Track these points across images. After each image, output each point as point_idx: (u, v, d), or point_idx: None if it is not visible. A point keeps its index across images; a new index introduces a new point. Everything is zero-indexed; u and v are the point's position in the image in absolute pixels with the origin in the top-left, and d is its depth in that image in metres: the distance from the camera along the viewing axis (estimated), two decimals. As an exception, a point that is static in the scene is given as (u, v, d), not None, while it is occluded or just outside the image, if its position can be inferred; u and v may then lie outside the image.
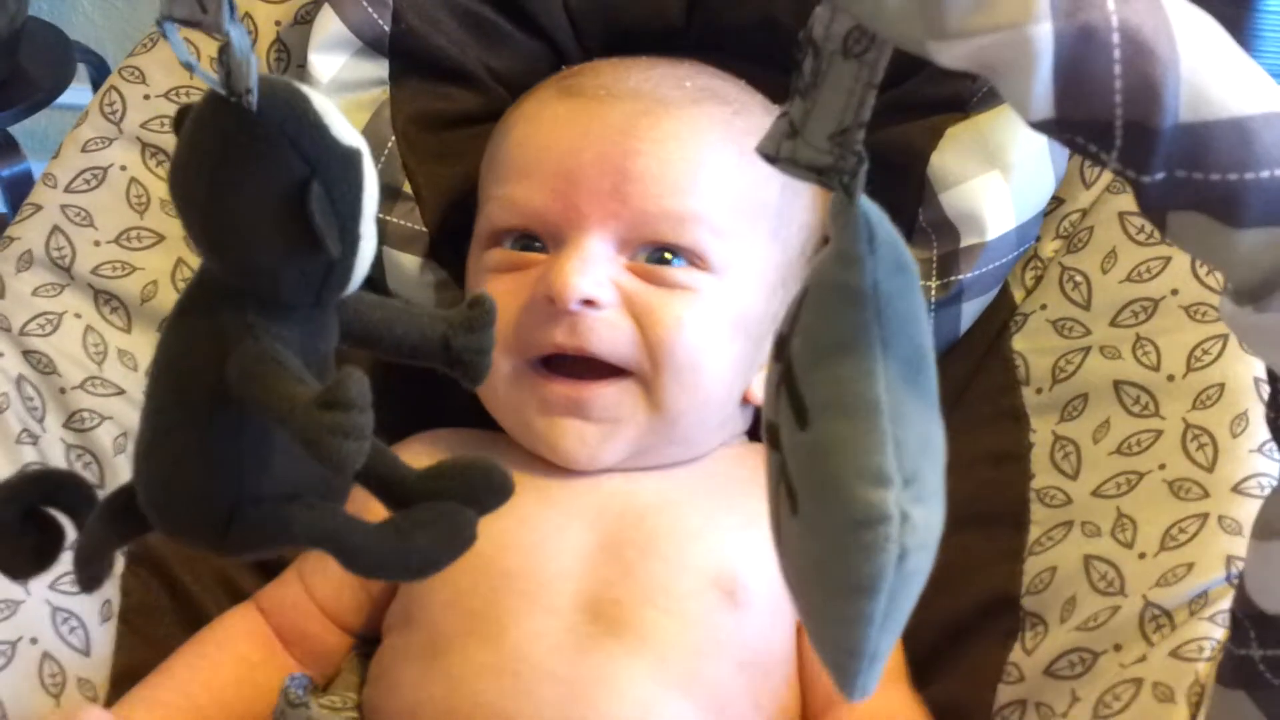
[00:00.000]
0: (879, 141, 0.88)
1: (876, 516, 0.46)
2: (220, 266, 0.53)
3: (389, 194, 0.94)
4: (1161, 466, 0.81)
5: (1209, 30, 0.45)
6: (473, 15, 0.96)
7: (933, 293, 0.89)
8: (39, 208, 0.96)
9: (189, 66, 0.50)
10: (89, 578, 0.57)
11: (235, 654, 0.87)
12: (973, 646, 0.84)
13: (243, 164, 0.50)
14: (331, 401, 0.48)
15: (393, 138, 0.95)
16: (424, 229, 0.95)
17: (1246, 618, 0.59)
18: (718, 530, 0.84)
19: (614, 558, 0.83)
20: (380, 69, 0.95)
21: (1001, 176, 0.88)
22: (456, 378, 0.58)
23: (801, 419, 0.48)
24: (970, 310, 0.91)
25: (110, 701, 0.87)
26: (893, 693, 0.83)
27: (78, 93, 1.94)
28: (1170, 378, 0.84)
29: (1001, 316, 0.92)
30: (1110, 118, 0.44)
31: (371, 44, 0.94)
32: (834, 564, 0.48)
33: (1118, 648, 0.77)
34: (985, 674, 0.82)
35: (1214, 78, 0.44)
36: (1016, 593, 0.83)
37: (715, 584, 0.82)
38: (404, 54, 0.95)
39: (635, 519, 0.85)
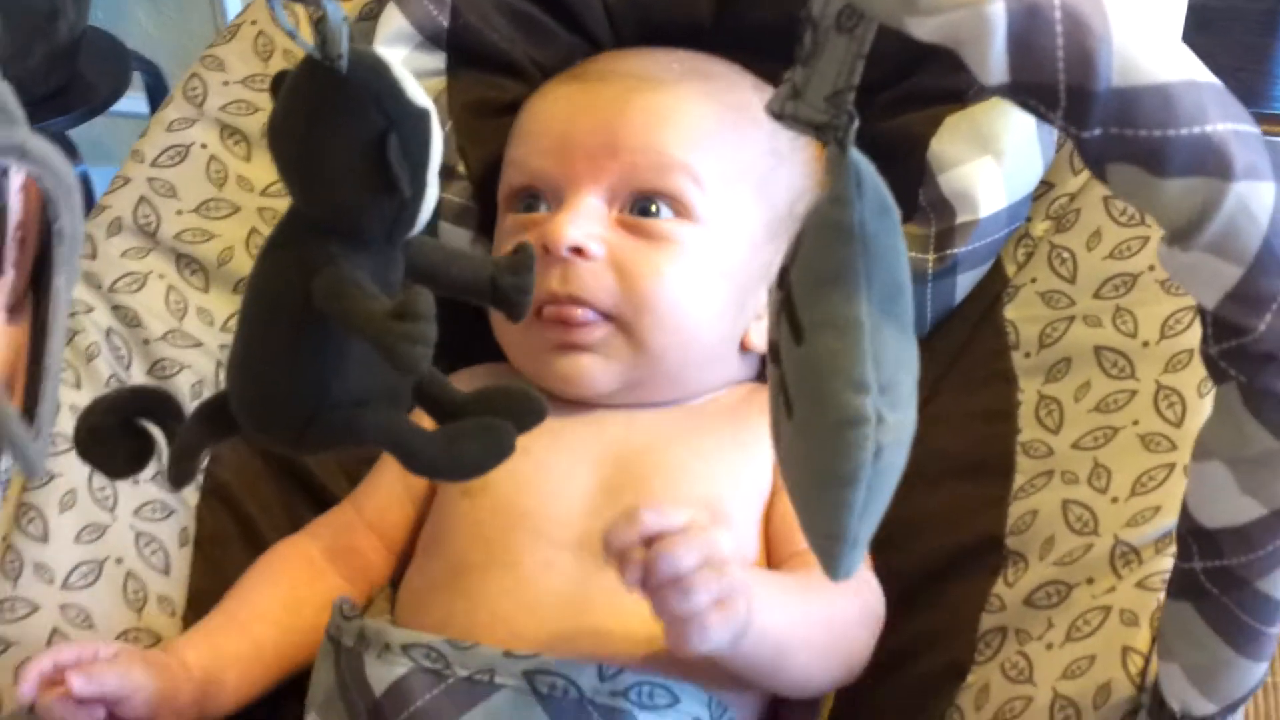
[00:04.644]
0: (886, 129, 0.98)
1: (857, 418, 0.54)
2: (309, 206, 0.61)
3: (444, 173, 1.02)
4: (1135, 422, 0.89)
5: (1137, 11, 0.54)
6: (521, 13, 1.05)
7: (930, 265, 0.97)
8: (128, 180, 1.06)
9: (291, 34, 0.59)
10: (181, 473, 0.66)
11: (284, 579, 0.95)
12: (960, 580, 0.91)
13: (332, 118, 0.58)
14: (404, 313, 0.56)
15: (449, 122, 1.04)
16: (475, 205, 1.04)
17: (1189, 533, 0.66)
18: (704, 462, 0.92)
19: (614, 499, 0.91)
20: (438, 61, 1.04)
21: (994, 161, 0.96)
22: (502, 312, 0.66)
23: (798, 336, 0.57)
24: (965, 282, 0.99)
25: (186, 617, 0.96)
26: None
27: (133, 101, 2.02)
28: (1145, 344, 0.91)
29: (995, 289, 1.00)
30: (1054, 82, 0.52)
31: (430, 38, 1.03)
32: (821, 459, 0.56)
33: (1090, 580, 0.84)
34: (970, 604, 0.89)
35: (1141, 49, 0.52)
36: (1001, 533, 0.90)
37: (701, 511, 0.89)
38: (459, 48, 1.04)
39: (631, 461, 0.93)
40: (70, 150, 1.98)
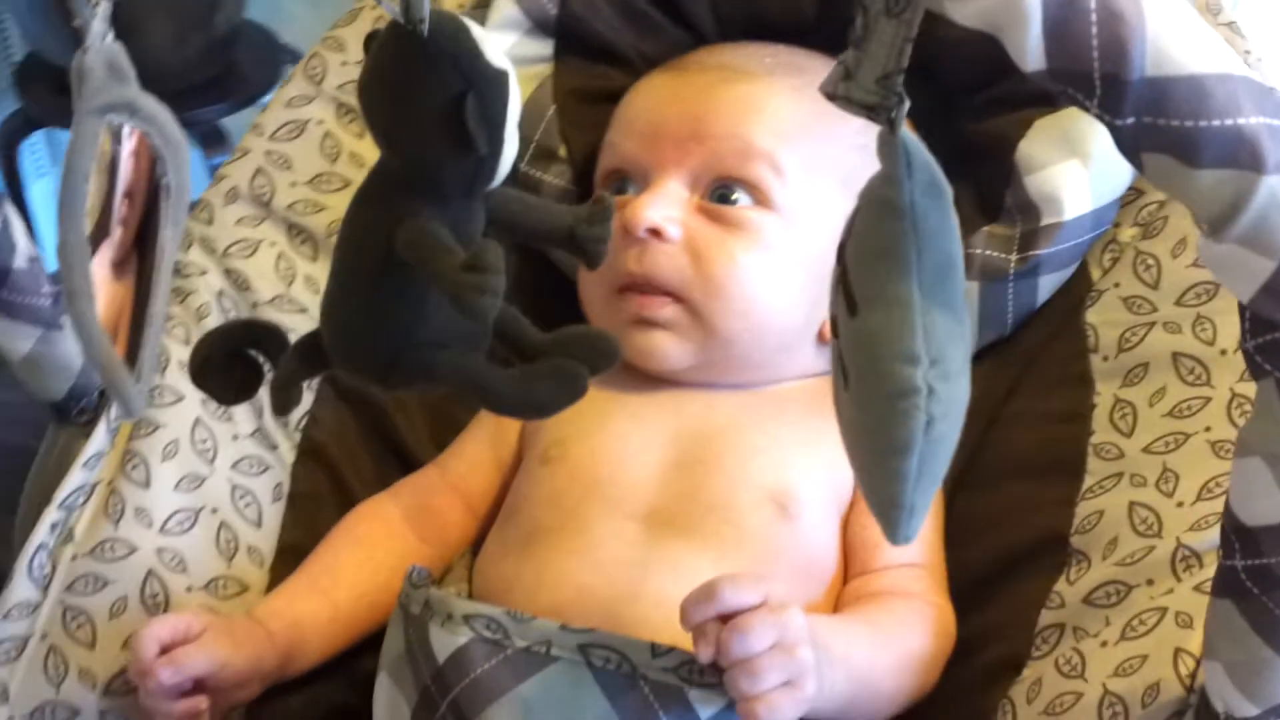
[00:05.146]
0: (977, 130, 1.00)
1: (908, 389, 0.55)
2: (394, 161, 0.64)
3: (546, 155, 1.07)
4: (1207, 429, 0.89)
5: (1176, 7, 0.55)
6: (629, 6, 1.08)
7: (1012, 265, 0.98)
8: (247, 152, 1.11)
9: (378, 0, 0.63)
10: (282, 402, 0.70)
11: (364, 541, 0.98)
12: (1024, 576, 0.92)
13: (414, 78, 0.61)
14: (474, 265, 0.59)
15: (552, 107, 1.07)
16: (574, 188, 1.08)
17: (1231, 530, 0.67)
18: (778, 449, 0.94)
19: (686, 473, 0.93)
20: (545, 48, 1.08)
21: (1080, 164, 0.97)
22: (579, 259, 0.69)
23: (852, 310, 0.59)
24: (1047, 284, 1.00)
25: (274, 568, 1.00)
26: (923, 575, 0.93)
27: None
28: (1223, 352, 0.92)
29: (1079, 292, 1.01)
30: (1089, 70, 0.54)
31: (539, 25, 1.07)
32: (876, 430, 0.58)
33: (1150, 582, 0.85)
34: (1031, 600, 0.90)
35: (1175, 41, 0.54)
36: (1067, 532, 0.91)
37: (771, 499, 0.92)
38: (567, 36, 1.08)
39: (705, 439, 0.95)
40: (222, 138, 2.03)
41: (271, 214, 1.09)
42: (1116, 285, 0.99)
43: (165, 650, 0.87)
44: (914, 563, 0.94)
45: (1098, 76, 0.54)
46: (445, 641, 0.82)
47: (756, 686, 0.76)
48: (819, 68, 1.02)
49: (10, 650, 0.91)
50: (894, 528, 0.59)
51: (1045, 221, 0.98)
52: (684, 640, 0.80)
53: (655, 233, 0.95)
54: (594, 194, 1.03)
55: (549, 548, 0.92)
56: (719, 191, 0.96)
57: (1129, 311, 0.97)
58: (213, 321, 1.03)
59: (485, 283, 0.59)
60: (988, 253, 0.99)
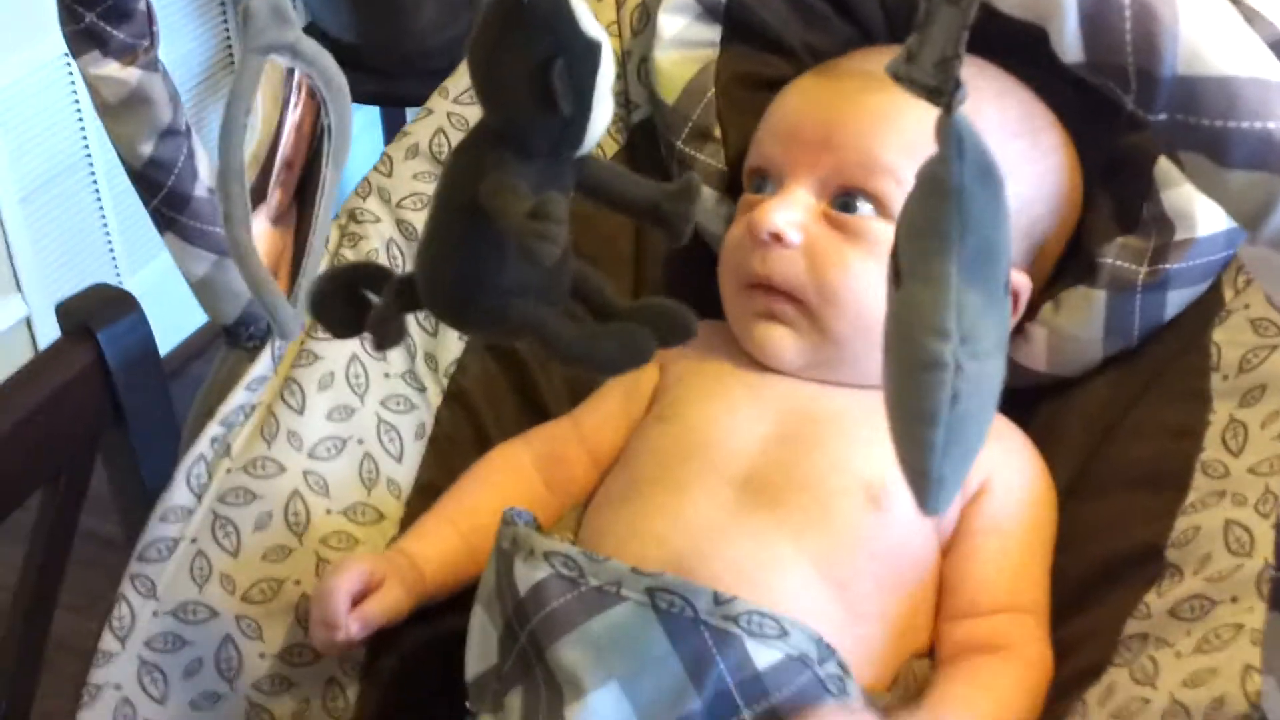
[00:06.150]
0: (1123, 144, 1.00)
1: (936, 362, 0.57)
2: (489, 115, 0.69)
3: (701, 135, 1.11)
4: (1314, 454, 0.89)
5: (1214, 8, 0.56)
6: None
7: (1141, 277, 0.98)
8: (431, 111, 1.17)
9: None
10: (380, 337, 0.75)
11: (496, 483, 1.04)
12: (1119, 586, 0.92)
13: (511, 39, 0.65)
14: (538, 213, 0.64)
15: (712, 89, 1.11)
16: (725, 168, 1.12)
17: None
18: (882, 446, 0.94)
19: (787, 448, 0.97)
20: (714, 33, 1.12)
21: (1219, 182, 0.97)
22: (662, 233, 0.72)
23: (898, 281, 0.61)
24: (1176, 299, 1.00)
25: (410, 501, 1.06)
26: (1024, 621, 0.94)
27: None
28: (1340, 380, 0.91)
29: (1210, 310, 1.00)
30: (1124, 64, 0.56)
31: (709, 10, 1.11)
32: (906, 397, 0.60)
33: (1234, 599, 0.85)
34: (1122, 609, 0.91)
35: (1207, 41, 0.55)
36: (1163, 544, 0.91)
37: (864, 487, 0.94)
38: (735, 23, 1.11)
39: (814, 422, 0.99)
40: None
41: (445, 170, 1.15)
42: (1247, 306, 0.98)
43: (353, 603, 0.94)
44: (1017, 606, 0.95)
45: (1132, 71, 0.56)
46: (527, 575, 0.87)
47: None
48: (969, 78, 1.04)
49: (163, 549, 0.99)
50: (924, 496, 0.61)
51: (1179, 237, 0.98)
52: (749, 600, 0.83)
53: (777, 237, 0.99)
54: (742, 184, 1.07)
55: (645, 500, 0.96)
56: (843, 200, 0.99)
57: (1255, 333, 0.97)
58: (377, 268, 1.10)
59: (547, 230, 0.62)
60: (1118, 263, 1.00)
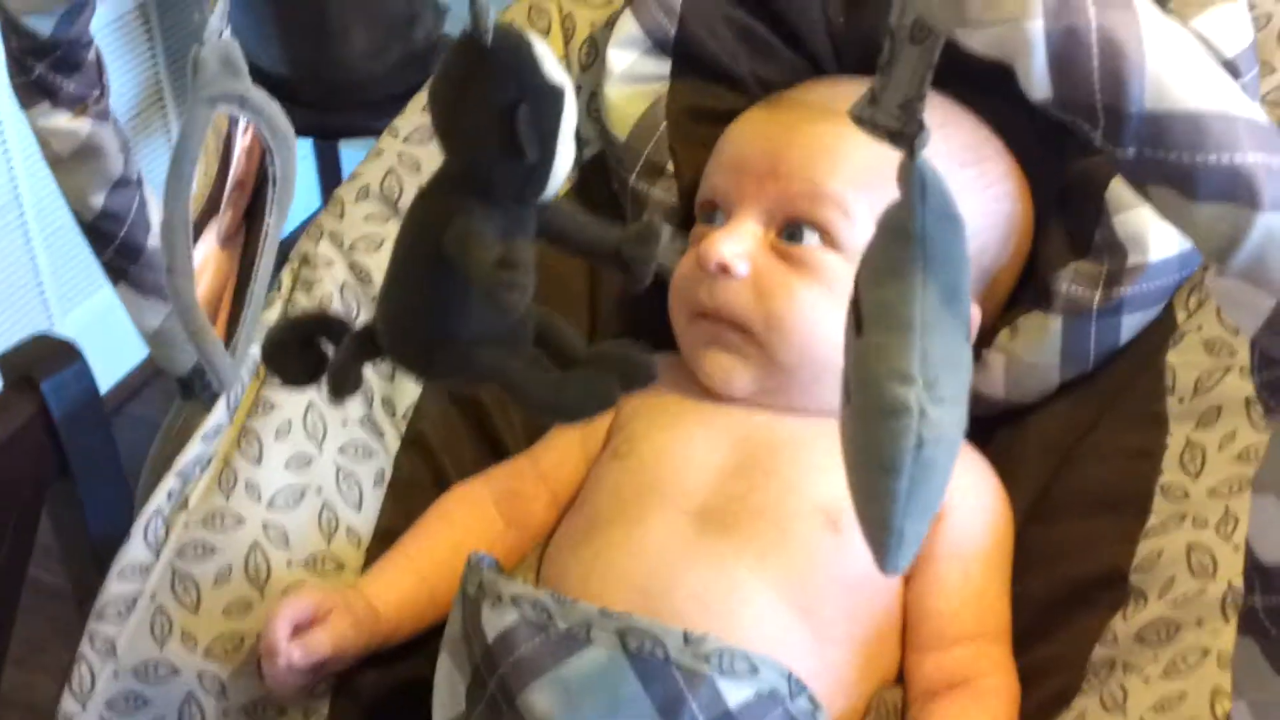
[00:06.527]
0: (1074, 169, 1.01)
1: (900, 408, 0.57)
2: (454, 162, 0.68)
3: (654, 170, 1.11)
4: (1274, 476, 0.90)
5: (1181, 44, 0.57)
6: (748, 30, 1.12)
7: (1096, 302, 0.99)
8: (381, 152, 1.16)
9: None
10: (337, 386, 0.75)
11: (457, 522, 1.04)
12: (1084, 611, 0.93)
13: (474, 85, 0.65)
14: (505, 261, 0.64)
15: (664, 124, 1.11)
16: (679, 204, 1.11)
17: (1252, 568, 0.67)
18: (838, 471, 0.95)
19: (743, 476, 0.97)
20: (663, 66, 1.12)
21: (1169, 207, 0.98)
22: (623, 277, 0.71)
23: (859, 328, 0.61)
24: (1131, 323, 1.00)
25: (369, 549, 1.05)
26: (990, 651, 0.94)
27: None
28: (1296, 400, 0.92)
29: (1162, 333, 1.01)
30: (1092, 101, 0.56)
31: (658, 44, 1.11)
32: (868, 446, 0.60)
33: (1199, 622, 0.85)
34: (1088, 635, 0.91)
35: (1174, 77, 0.55)
36: (1127, 569, 0.92)
37: (822, 511, 0.94)
38: (684, 55, 1.11)
39: (769, 449, 0.99)
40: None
41: (397, 213, 1.14)
42: (1200, 328, 0.99)
43: (297, 630, 0.93)
44: (983, 634, 0.95)
45: (1100, 108, 0.56)
46: (494, 622, 0.87)
47: None
48: None
49: (121, 608, 0.97)
50: (884, 553, 0.61)
51: (1131, 261, 0.98)
52: (715, 632, 0.83)
53: (724, 268, 0.99)
54: (693, 217, 1.07)
55: (604, 537, 0.96)
56: (790, 230, 1.00)
57: (1209, 354, 0.98)
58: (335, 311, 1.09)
59: (514, 279, 0.62)
60: (1073, 288, 1.01)
